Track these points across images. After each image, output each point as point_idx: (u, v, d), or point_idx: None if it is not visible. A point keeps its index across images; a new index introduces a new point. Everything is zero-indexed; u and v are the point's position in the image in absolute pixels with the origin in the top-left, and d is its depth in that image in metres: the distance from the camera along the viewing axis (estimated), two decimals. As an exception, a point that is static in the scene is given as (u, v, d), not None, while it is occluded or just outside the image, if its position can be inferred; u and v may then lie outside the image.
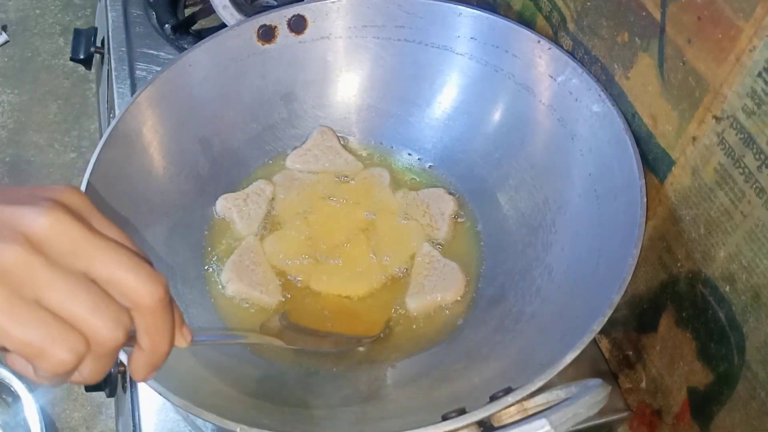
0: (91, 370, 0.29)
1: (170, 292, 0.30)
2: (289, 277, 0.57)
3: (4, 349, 0.27)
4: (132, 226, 0.53)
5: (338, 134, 0.66)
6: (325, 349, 0.53)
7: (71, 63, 0.91)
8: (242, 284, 0.55)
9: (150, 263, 0.30)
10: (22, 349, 0.27)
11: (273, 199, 0.62)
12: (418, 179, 0.64)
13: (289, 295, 0.56)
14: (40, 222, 0.27)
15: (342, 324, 0.55)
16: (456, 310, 0.55)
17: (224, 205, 0.60)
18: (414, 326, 0.55)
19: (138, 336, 0.30)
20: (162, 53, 0.79)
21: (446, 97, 0.64)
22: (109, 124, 0.53)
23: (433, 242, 0.59)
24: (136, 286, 0.29)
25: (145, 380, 0.32)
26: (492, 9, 0.66)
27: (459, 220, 0.61)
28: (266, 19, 0.61)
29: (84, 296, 0.28)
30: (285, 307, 0.56)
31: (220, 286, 0.56)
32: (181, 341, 0.32)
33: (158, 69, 0.67)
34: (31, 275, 0.27)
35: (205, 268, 0.58)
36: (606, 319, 0.40)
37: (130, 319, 0.29)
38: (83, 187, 0.49)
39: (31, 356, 0.27)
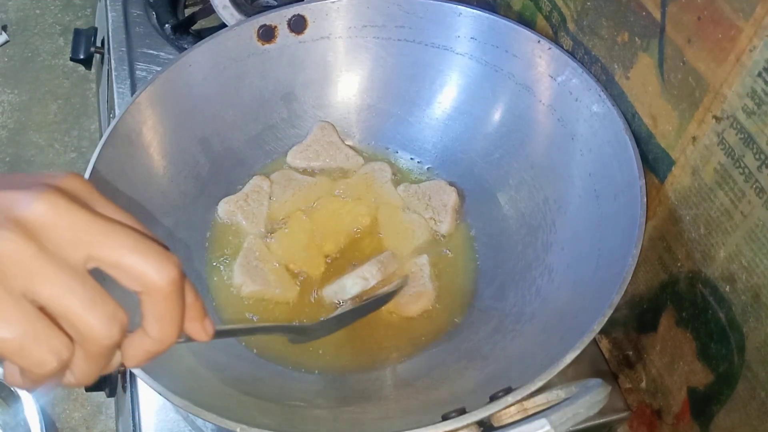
0: (83, 371, 0.27)
1: (186, 277, 0.28)
2: (296, 271, 0.58)
3: None
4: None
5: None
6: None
7: (71, 63, 0.91)
8: (256, 285, 0.56)
9: (165, 246, 0.28)
10: (0, 345, 0.25)
11: (271, 195, 0.62)
12: (419, 178, 0.64)
13: (300, 288, 0.57)
14: (35, 207, 0.25)
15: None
16: (456, 311, 0.55)
17: (227, 208, 0.60)
18: (414, 326, 0.55)
19: (145, 322, 0.27)
20: (162, 53, 0.79)
21: (446, 97, 0.64)
22: (109, 124, 0.53)
23: (436, 234, 0.59)
24: (146, 267, 0.26)
25: (137, 366, 0.29)
26: (492, 9, 0.66)
27: (460, 218, 0.61)
28: (266, 19, 0.61)
29: (79, 289, 0.25)
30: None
31: (232, 289, 0.56)
32: (202, 334, 0.29)
33: (158, 69, 0.67)
34: (21, 266, 0.25)
35: (212, 266, 0.58)
36: (606, 319, 0.40)
37: (127, 316, 0.27)
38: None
39: (9, 354, 0.25)
